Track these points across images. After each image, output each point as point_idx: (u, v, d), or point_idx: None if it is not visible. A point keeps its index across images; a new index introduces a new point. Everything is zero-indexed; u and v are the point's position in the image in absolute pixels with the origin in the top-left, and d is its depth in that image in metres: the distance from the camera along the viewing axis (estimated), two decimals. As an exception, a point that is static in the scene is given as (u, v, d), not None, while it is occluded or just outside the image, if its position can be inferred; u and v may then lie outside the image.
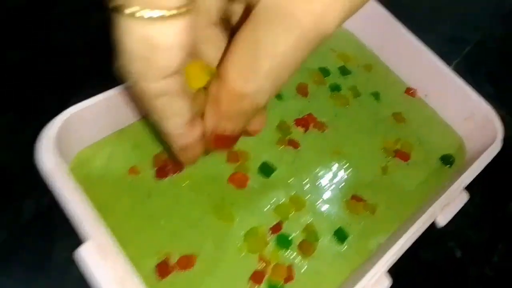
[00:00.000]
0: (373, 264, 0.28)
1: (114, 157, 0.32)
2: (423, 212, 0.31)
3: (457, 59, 0.52)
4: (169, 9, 0.18)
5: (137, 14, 0.17)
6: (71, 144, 0.30)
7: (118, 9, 0.18)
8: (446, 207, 0.32)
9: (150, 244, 0.29)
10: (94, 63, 0.40)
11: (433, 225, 0.32)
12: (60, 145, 0.28)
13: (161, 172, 0.32)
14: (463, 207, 0.33)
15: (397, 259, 0.28)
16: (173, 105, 0.21)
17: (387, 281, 0.27)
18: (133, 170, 0.31)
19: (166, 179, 0.32)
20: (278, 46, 0.19)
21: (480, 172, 0.35)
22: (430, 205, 0.32)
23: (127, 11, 0.17)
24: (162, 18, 0.17)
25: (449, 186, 0.33)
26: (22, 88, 0.38)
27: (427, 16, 0.54)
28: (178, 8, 0.18)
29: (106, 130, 0.32)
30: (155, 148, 0.33)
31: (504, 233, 0.40)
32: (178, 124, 0.23)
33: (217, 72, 0.22)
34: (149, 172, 0.32)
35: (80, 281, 0.30)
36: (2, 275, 0.29)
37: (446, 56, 0.42)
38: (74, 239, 0.31)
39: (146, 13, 0.17)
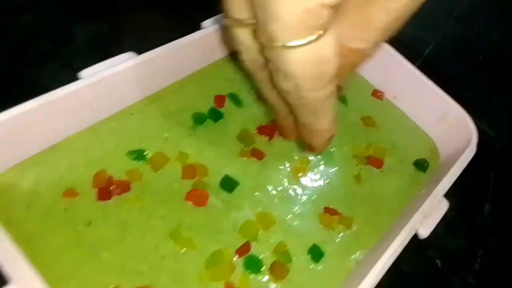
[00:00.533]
0: (355, 286, 0.24)
1: (44, 179, 0.26)
2: (403, 225, 0.28)
3: (419, 60, 0.51)
4: (324, 28, 0.19)
5: (306, 40, 0.19)
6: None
7: (282, 47, 0.20)
8: (427, 217, 0.29)
9: (93, 281, 0.24)
10: (16, 71, 0.35)
11: (414, 236, 0.29)
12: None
13: (104, 193, 0.27)
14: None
15: (379, 279, 0.25)
16: (332, 103, 0.24)
17: (372, 303, 0.24)
18: (68, 193, 0.26)
19: (111, 201, 0.27)
20: (392, 2, 0.20)
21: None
22: (410, 217, 0.29)
23: (295, 42, 0.19)
24: (319, 36, 0.19)
25: (428, 194, 0.30)
26: None
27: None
28: (328, 22, 0.19)
29: (34, 146, 0.27)
30: (94, 167, 0.28)
31: (482, 238, 0.38)
32: (331, 119, 0.25)
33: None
34: (89, 194, 0.27)
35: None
36: None
37: (408, 57, 0.40)
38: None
39: (311, 37, 0.19)
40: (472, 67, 0.54)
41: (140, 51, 0.30)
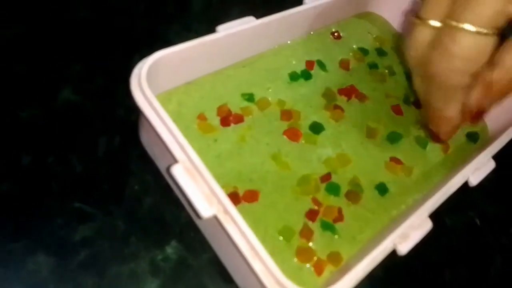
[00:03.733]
0: (415, 210, 0.31)
1: (184, 104, 0.35)
2: (455, 175, 0.35)
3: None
4: (492, 29, 0.26)
5: (482, 30, 0.26)
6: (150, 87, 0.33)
7: (461, 29, 0.26)
8: (477, 171, 0.36)
9: (219, 180, 0.32)
10: (152, 25, 0.44)
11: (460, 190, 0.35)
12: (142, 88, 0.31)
13: (225, 121, 0.35)
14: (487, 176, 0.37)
15: (436, 207, 0.32)
16: (462, 94, 0.30)
17: (429, 224, 0.31)
18: (201, 117, 0.35)
19: (230, 128, 0.35)
20: None
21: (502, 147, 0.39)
22: (461, 169, 0.35)
23: (474, 28, 0.26)
24: (491, 34, 0.26)
25: (479, 153, 0.37)
26: (88, 43, 0.41)
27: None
28: (494, 28, 0.27)
29: (177, 80, 0.36)
30: (218, 101, 0.36)
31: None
32: (458, 109, 0.31)
33: (493, 61, 0.28)
34: (214, 120, 0.35)
35: (151, 212, 0.33)
36: (82, 202, 0.32)
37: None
38: (146, 173, 0.35)
39: (486, 31, 0.26)
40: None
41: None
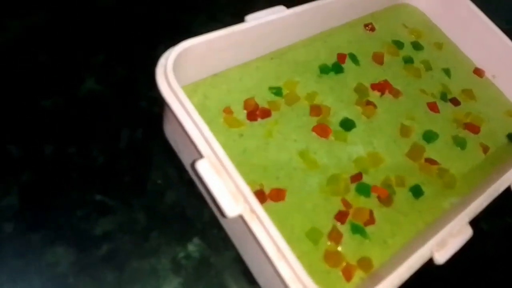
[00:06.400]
0: (455, 216, 0.29)
1: (210, 96, 0.34)
2: (496, 179, 0.32)
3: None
4: None
5: None
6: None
7: None
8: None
9: (244, 176, 0.30)
10: (175, 18, 0.43)
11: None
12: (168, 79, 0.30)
13: (252, 115, 0.34)
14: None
15: (477, 213, 0.30)
16: None
17: (469, 231, 0.29)
18: (227, 110, 0.33)
19: (256, 122, 0.34)
20: None
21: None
22: (503, 173, 0.33)
23: None
24: None
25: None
26: (111, 33, 0.40)
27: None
28: None
29: (203, 72, 0.34)
30: (245, 94, 0.35)
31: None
32: None
33: None
34: (240, 114, 0.34)
35: (173, 207, 0.32)
36: (103, 194, 0.31)
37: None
38: (169, 167, 0.34)
39: None
40: None
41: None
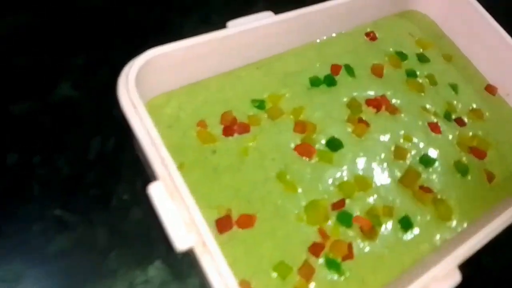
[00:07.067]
0: (443, 256, 0.26)
1: (184, 108, 0.31)
2: (497, 215, 0.29)
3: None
4: None
5: None
6: (145, 89, 0.30)
7: None
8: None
9: (212, 198, 0.28)
10: (165, 19, 0.41)
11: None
12: (138, 86, 0.27)
13: (229, 130, 0.31)
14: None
15: (469, 255, 0.26)
16: None
17: (458, 276, 0.25)
18: (201, 124, 0.31)
19: (233, 138, 0.31)
20: None
21: None
22: (507, 207, 0.29)
23: None
24: None
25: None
26: (95, 34, 0.38)
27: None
28: None
29: (180, 80, 0.32)
30: (224, 106, 0.32)
31: None
32: None
33: None
34: (216, 128, 0.31)
35: (137, 225, 0.30)
36: (64, 208, 0.29)
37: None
38: (138, 181, 0.32)
39: None
40: None
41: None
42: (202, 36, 0.30)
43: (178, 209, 0.23)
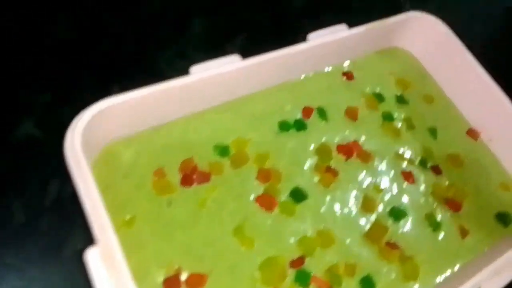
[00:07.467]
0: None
1: (141, 155, 0.30)
2: (468, 277, 0.27)
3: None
4: None
5: None
6: (100, 134, 0.29)
7: None
8: (496, 276, 0.28)
9: (162, 255, 0.27)
10: (139, 52, 0.40)
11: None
12: (89, 136, 0.27)
13: (187, 180, 0.30)
14: None
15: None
16: None
17: None
18: (158, 172, 0.30)
19: (191, 188, 0.30)
20: None
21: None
22: (477, 270, 0.28)
23: None
24: None
25: (504, 252, 0.29)
26: (64, 69, 0.37)
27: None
28: None
29: (139, 125, 0.31)
30: (185, 153, 0.31)
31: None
32: None
33: None
34: (175, 177, 0.30)
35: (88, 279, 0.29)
36: (17, 257, 0.29)
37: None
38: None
39: None
40: None
41: (247, 49, 0.33)
42: (162, 84, 0.29)
43: (114, 279, 0.22)
